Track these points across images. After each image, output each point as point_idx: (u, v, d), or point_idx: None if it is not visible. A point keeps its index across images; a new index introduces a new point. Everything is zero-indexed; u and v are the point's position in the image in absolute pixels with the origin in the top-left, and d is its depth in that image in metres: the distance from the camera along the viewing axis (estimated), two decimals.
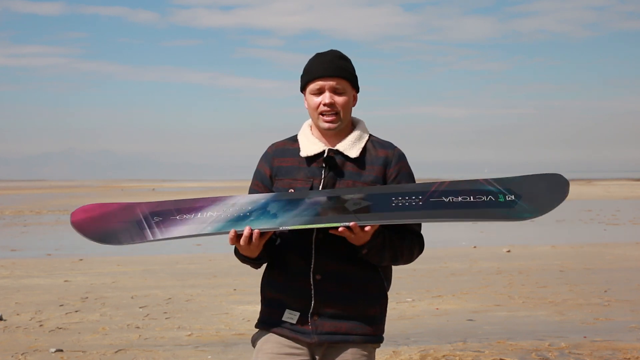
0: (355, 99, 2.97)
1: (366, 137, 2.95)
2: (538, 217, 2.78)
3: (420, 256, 3.04)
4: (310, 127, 2.99)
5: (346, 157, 2.91)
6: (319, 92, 2.89)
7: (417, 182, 2.98)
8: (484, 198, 2.78)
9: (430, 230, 7.67)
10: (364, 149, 2.93)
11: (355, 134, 2.94)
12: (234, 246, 2.86)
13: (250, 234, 2.75)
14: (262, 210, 2.80)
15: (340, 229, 2.71)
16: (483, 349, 6.45)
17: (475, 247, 15.90)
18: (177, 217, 2.86)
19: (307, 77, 2.92)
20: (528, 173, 2.85)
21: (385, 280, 2.94)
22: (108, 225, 2.89)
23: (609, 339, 6.87)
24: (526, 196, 2.77)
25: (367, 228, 2.71)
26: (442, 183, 2.82)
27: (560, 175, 2.82)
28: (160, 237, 2.81)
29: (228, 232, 2.76)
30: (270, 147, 3.01)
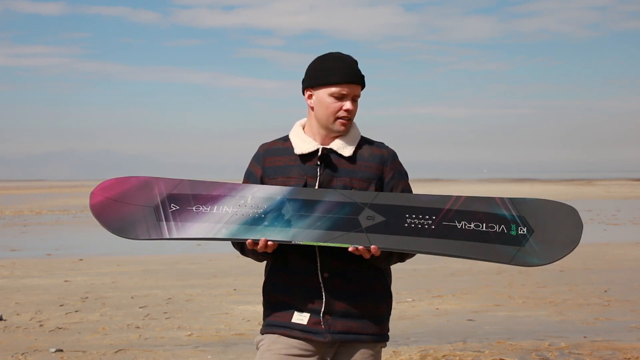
0: None
1: (359, 137, 3.00)
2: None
3: (421, 256, 3.06)
4: (303, 126, 3.02)
5: (340, 156, 2.94)
6: (342, 96, 2.92)
7: (411, 180, 3.03)
8: (496, 228, 2.78)
9: None
10: (357, 148, 2.97)
11: (348, 134, 2.98)
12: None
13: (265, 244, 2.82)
14: (277, 213, 2.82)
15: (350, 248, 2.77)
16: (483, 349, 6.45)
17: None
18: (194, 209, 2.87)
19: (334, 79, 2.91)
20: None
21: (388, 277, 2.98)
22: (125, 209, 2.90)
23: (609, 339, 6.87)
24: (538, 232, 2.76)
25: (373, 250, 2.77)
26: (459, 198, 2.83)
27: (577, 215, 2.79)
28: (176, 236, 2.84)
29: (242, 239, 2.81)
30: (261, 147, 3.03)
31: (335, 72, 2.92)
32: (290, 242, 2.79)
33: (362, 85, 2.96)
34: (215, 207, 2.87)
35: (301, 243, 2.78)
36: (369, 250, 2.77)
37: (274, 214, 2.82)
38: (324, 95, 2.92)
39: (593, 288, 9.98)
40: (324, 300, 2.86)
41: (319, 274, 2.86)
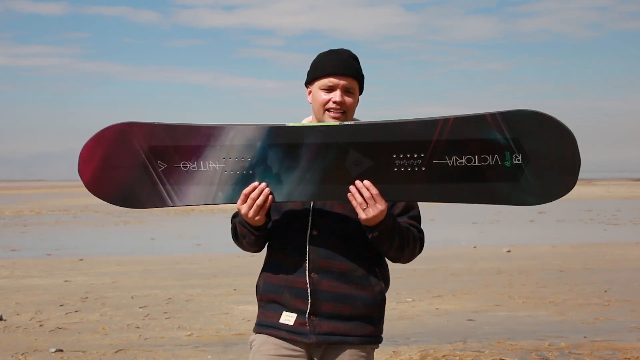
0: (358, 101, 2.98)
1: None
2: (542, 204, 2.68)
3: (420, 256, 3.03)
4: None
5: None
6: (330, 89, 2.89)
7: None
8: (490, 159, 2.65)
9: (431, 230, 7.58)
10: None
11: None
12: (233, 226, 2.89)
13: (265, 196, 2.77)
14: (263, 167, 2.80)
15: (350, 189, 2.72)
16: (483, 349, 6.45)
17: (475, 247, 15.91)
18: (181, 166, 2.86)
19: (320, 72, 2.90)
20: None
21: (383, 280, 2.92)
22: (116, 175, 2.88)
23: (609, 339, 6.87)
24: (534, 159, 2.62)
25: (379, 206, 2.69)
26: (447, 122, 2.68)
27: (572, 137, 2.61)
28: (178, 203, 2.86)
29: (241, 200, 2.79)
30: None
31: (324, 64, 2.90)
32: (287, 201, 2.79)
33: (355, 78, 2.90)
34: (202, 162, 2.85)
35: (298, 201, 2.79)
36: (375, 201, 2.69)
37: (260, 167, 2.80)
38: (316, 90, 2.91)
39: (593, 288, 9.98)
40: (309, 301, 2.83)
41: (307, 274, 2.83)
